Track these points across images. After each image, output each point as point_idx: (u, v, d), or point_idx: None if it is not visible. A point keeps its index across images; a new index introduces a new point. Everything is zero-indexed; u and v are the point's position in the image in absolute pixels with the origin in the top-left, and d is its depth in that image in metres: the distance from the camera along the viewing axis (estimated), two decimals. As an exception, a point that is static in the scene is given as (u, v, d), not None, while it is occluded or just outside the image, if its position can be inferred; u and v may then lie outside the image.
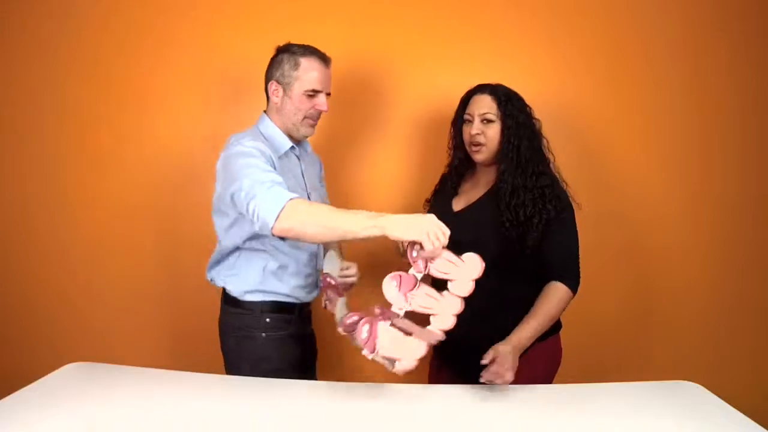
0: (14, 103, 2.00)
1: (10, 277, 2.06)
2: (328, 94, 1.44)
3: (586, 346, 1.95)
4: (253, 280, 1.42)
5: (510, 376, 1.19)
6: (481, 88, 1.42)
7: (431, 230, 1.07)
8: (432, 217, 1.11)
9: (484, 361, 1.20)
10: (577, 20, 1.91)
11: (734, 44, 1.91)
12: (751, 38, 1.91)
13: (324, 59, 1.41)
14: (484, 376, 1.18)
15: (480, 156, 1.41)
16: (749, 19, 1.91)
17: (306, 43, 1.42)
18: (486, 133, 1.38)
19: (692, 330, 1.99)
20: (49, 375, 1.29)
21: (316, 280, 1.51)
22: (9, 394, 1.17)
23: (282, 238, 1.23)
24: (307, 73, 1.38)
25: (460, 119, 1.45)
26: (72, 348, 1.91)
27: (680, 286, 1.98)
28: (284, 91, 1.41)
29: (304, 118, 1.42)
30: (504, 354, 1.20)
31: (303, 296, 1.48)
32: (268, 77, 1.43)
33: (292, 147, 1.45)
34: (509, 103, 1.37)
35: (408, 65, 1.93)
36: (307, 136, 1.47)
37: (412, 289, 1.10)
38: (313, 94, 1.40)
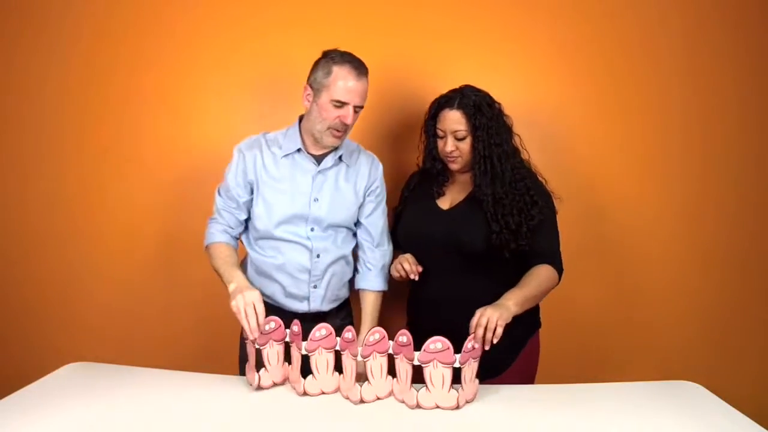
0: (16, 102, 1.99)
1: (10, 276, 2.05)
2: (361, 107, 1.40)
3: (586, 346, 1.95)
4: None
5: (500, 322, 1.19)
6: (449, 102, 1.40)
7: None
8: None
9: (473, 323, 1.21)
10: (564, 20, 1.89)
11: (729, 45, 1.91)
12: (749, 35, 1.90)
13: (358, 69, 1.37)
14: (470, 340, 1.18)
15: (456, 165, 1.43)
16: (747, 19, 1.90)
17: (347, 51, 1.40)
18: (460, 147, 1.39)
19: (692, 330, 1.99)
20: (49, 375, 1.30)
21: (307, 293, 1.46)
22: (9, 394, 1.17)
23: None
24: (337, 82, 1.35)
25: (431, 131, 1.46)
26: (72, 348, 1.91)
27: (680, 285, 1.98)
28: (314, 96, 1.39)
29: (328, 128, 1.38)
30: (491, 318, 1.19)
31: (282, 301, 1.46)
32: (308, 80, 1.42)
33: (299, 150, 1.45)
34: (478, 114, 1.37)
35: (396, 65, 1.91)
36: (331, 147, 1.44)
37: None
38: (339, 105, 1.36)
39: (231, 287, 1.30)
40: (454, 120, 1.38)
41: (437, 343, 1.15)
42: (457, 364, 1.15)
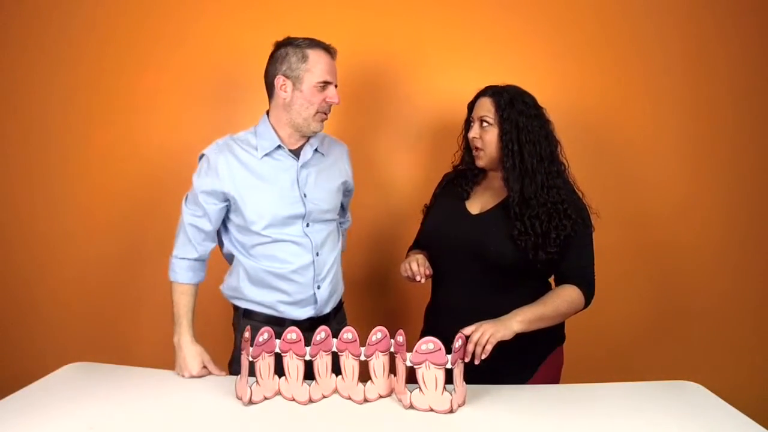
0: (21, 104, 2.00)
1: (11, 276, 2.06)
2: (336, 86, 1.40)
3: (587, 345, 1.95)
4: (234, 283, 1.45)
5: (492, 338, 1.16)
6: (485, 91, 1.38)
7: None
8: None
9: (465, 332, 1.18)
10: (590, 23, 1.92)
11: (743, 38, 1.91)
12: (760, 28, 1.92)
13: (330, 51, 1.38)
14: (458, 339, 1.16)
15: (480, 161, 1.38)
16: (745, 18, 1.91)
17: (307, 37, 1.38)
18: (483, 137, 1.34)
19: (692, 330, 1.99)
20: (49, 375, 1.30)
21: (313, 297, 1.43)
22: (9, 394, 1.17)
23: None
24: (317, 65, 1.34)
25: (466, 123, 1.43)
26: (72, 348, 1.91)
27: (680, 286, 1.98)
28: (293, 85, 1.35)
29: (317, 112, 1.37)
30: (484, 333, 1.17)
31: (282, 310, 1.41)
32: (272, 73, 1.37)
33: (279, 146, 1.40)
34: (510, 106, 1.31)
35: (417, 66, 1.93)
36: (316, 132, 1.41)
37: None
38: (323, 86, 1.35)
39: (174, 339, 1.36)
40: (483, 106, 1.35)
41: (429, 343, 1.13)
42: (449, 365, 1.13)
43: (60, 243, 2.03)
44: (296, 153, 1.43)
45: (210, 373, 1.35)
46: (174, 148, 1.97)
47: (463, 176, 1.46)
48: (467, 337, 1.18)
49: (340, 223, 1.64)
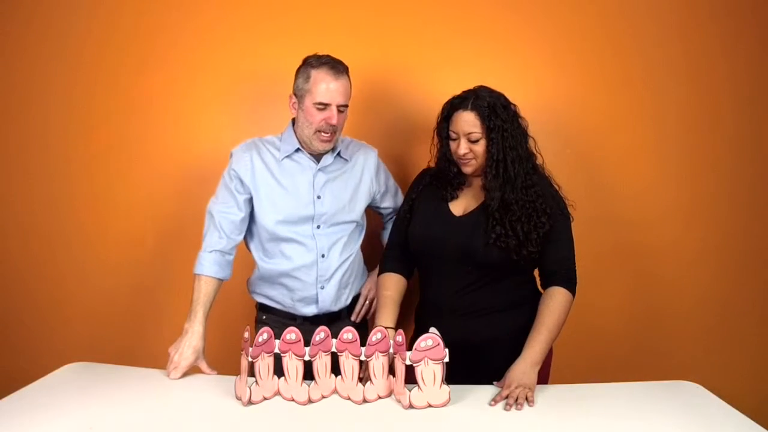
0: (21, 103, 2.00)
1: (11, 276, 2.06)
2: (345, 106, 1.42)
3: (586, 346, 1.95)
4: (251, 278, 1.57)
5: (530, 395, 1.20)
6: (463, 103, 1.33)
7: None
8: None
9: (498, 388, 1.23)
10: (573, 22, 1.90)
11: (729, 43, 1.91)
12: (746, 36, 1.91)
13: (336, 69, 1.38)
14: (506, 406, 1.19)
15: (469, 168, 1.37)
16: (744, 18, 1.91)
17: (323, 53, 1.41)
18: (474, 149, 1.33)
19: (692, 330, 1.99)
20: (49, 375, 1.30)
21: (315, 296, 1.49)
22: (9, 394, 1.17)
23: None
24: (317, 85, 1.37)
25: (444, 133, 1.39)
26: (72, 348, 1.91)
27: (680, 286, 1.98)
28: (299, 103, 1.42)
29: (316, 131, 1.40)
30: (518, 379, 1.21)
31: (290, 305, 1.50)
32: (293, 89, 1.44)
33: (298, 150, 1.47)
34: (492, 115, 1.31)
35: (413, 67, 1.92)
36: (322, 151, 1.46)
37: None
38: (322, 107, 1.38)
39: (185, 325, 1.38)
40: (467, 122, 1.32)
41: (428, 340, 1.16)
42: (446, 359, 1.16)
43: (59, 243, 2.02)
44: (318, 157, 1.48)
45: (199, 371, 1.37)
46: (175, 148, 1.97)
47: (444, 177, 1.44)
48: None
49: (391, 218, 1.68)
